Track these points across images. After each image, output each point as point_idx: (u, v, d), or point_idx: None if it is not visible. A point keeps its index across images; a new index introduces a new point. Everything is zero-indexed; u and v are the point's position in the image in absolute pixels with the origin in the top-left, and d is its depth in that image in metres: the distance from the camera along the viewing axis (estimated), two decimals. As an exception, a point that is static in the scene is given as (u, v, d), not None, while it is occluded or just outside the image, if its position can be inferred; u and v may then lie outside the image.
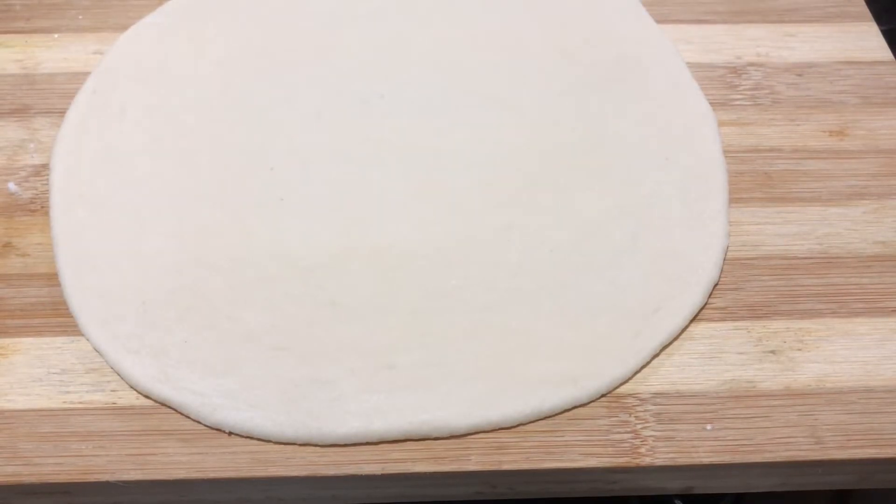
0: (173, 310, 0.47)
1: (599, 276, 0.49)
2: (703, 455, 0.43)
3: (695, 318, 0.48)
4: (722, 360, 0.47)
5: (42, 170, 0.55)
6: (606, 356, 0.46)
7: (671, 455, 0.43)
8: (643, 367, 0.46)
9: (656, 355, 0.46)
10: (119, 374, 0.45)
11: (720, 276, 0.49)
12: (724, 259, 0.50)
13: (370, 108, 0.57)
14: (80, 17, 0.64)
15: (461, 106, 0.57)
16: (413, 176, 0.54)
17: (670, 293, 0.48)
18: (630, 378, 0.46)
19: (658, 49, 0.60)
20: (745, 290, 0.49)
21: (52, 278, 0.49)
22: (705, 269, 0.49)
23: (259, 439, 0.44)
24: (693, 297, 0.48)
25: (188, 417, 0.44)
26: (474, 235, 0.51)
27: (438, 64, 0.60)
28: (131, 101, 0.57)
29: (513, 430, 0.44)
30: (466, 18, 0.63)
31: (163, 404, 0.45)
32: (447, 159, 0.54)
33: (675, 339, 0.47)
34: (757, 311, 0.48)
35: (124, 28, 0.62)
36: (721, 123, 0.57)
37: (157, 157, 0.55)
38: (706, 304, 0.49)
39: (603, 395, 0.45)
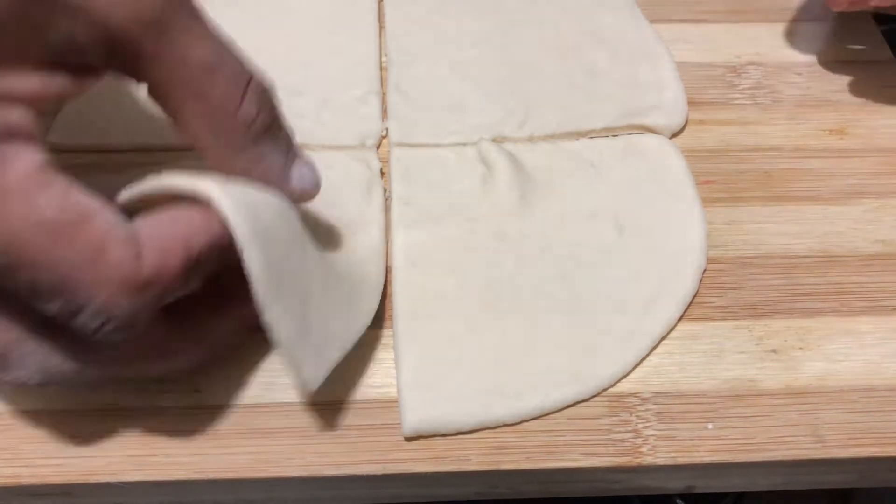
0: None
1: (592, 271, 0.49)
2: (705, 454, 0.43)
3: (690, 308, 0.48)
4: (723, 359, 0.47)
5: (41, 171, 0.55)
6: (606, 351, 0.46)
7: (672, 454, 0.43)
8: (643, 360, 0.46)
9: (655, 348, 0.46)
10: None
11: (707, 263, 0.50)
12: (707, 244, 0.51)
13: (369, 106, 0.57)
14: (80, 17, 0.64)
15: (457, 106, 0.57)
16: (413, 176, 0.54)
17: (662, 283, 0.48)
18: (631, 372, 0.46)
19: (649, 47, 0.61)
20: (745, 290, 0.49)
21: (52, 279, 0.49)
22: (692, 257, 0.50)
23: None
24: (685, 286, 0.48)
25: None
26: (471, 235, 0.51)
27: (436, 63, 0.60)
28: (129, 96, 0.57)
29: (514, 429, 0.44)
30: (464, 18, 0.63)
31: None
32: (447, 156, 0.55)
33: (672, 329, 0.47)
34: (758, 311, 0.49)
35: (123, 29, 0.62)
36: (721, 122, 0.57)
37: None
38: (705, 301, 0.49)
39: (605, 391, 0.45)
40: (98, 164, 0.55)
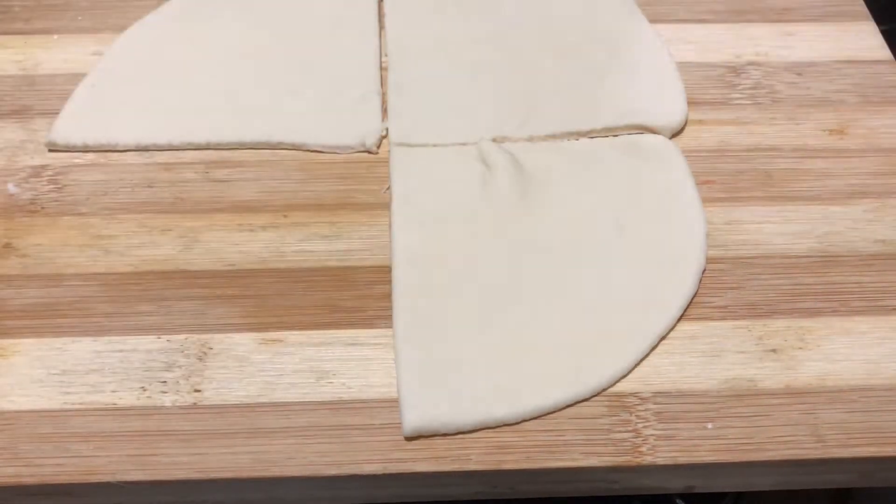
0: None
1: (592, 271, 0.49)
2: (704, 454, 0.43)
3: (690, 308, 0.48)
4: (723, 358, 0.47)
5: (42, 171, 0.55)
6: (605, 351, 0.46)
7: (672, 454, 0.43)
8: (643, 359, 0.46)
9: (654, 347, 0.46)
10: None
11: (706, 263, 0.50)
12: (707, 244, 0.51)
13: (369, 106, 0.57)
14: (80, 17, 0.64)
15: (457, 106, 0.57)
16: (413, 176, 0.54)
17: (662, 283, 0.49)
18: (630, 371, 0.46)
19: (649, 47, 0.61)
20: (745, 289, 0.49)
21: (52, 279, 0.49)
22: (692, 257, 0.50)
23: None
24: (684, 286, 0.48)
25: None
26: (472, 235, 0.51)
27: (436, 63, 0.60)
28: (129, 97, 0.58)
29: (514, 429, 0.44)
30: (464, 18, 0.63)
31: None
32: (447, 156, 0.55)
33: (672, 329, 0.47)
34: (758, 310, 0.48)
35: (123, 29, 0.62)
36: (721, 122, 0.57)
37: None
38: (705, 301, 0.49)
39: (604, 391, 0.45)
40: (98, 164, 0.55)
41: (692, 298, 0.48)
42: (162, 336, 0.47)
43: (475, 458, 0.43)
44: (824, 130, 0.57)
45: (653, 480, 0.45)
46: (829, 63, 0.61)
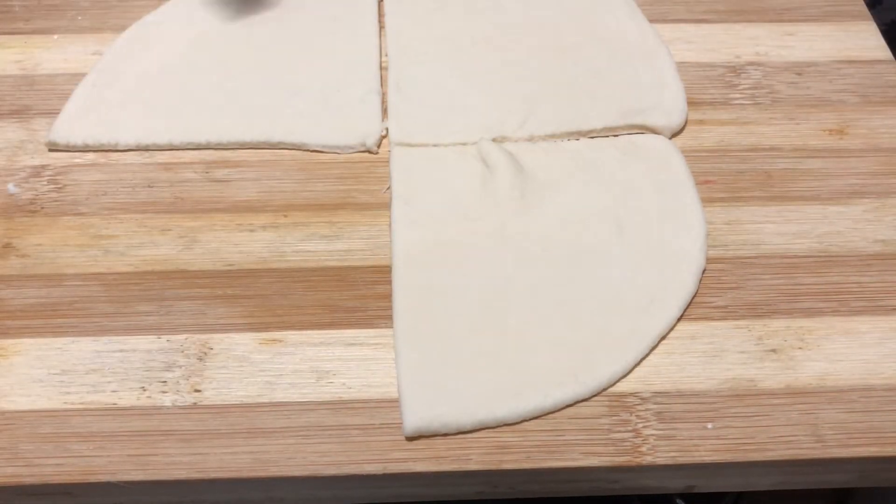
0: None
1: (592, 271, 0.49)
2: (705, 454, 0.43)
3: (690, 308, 0.48)
4: (723, 358, 0.47)
5: (42, 171, 0.55)
6: (605, 351, 0.46)
7: (672, 454, 0.43)
8: (642, 359, 0.46)
9: (654, 347, 0.47)
10: None
11: (706, 263, 0.50)
12: (707, 244, 0.51)
13: (369, 106, 0.57)
14: (80, 17, 0.64)
15: (457, 106, 0.57)
16: (413, 176, 0.54)
17: (662, 283, 0.48)
18: (630, 372, 0.46)
19: (649, 47, 0.61)
20: (745, 289, 0.49)
21: (52, 279, 0.49)
22: (692, 257, 0.50)
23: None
24: (684, 286, 0.48)
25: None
26: (471, 235, 0.51)
27: (436, 63, 0.60)
28: (129, 97, 0.58)
29: (514, 429, 0.44)
30: (464, 18, 0.63)
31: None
32: (447, 156, 0.55)
33: (672, 329, 0.47)
34: (757, 310, 0.49)
35: (123, 29, 0.62)
36: (721, 122, 0.57)
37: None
38: (705, 301, 0.49)
39: (604, 391, 0.45)
40: (98, 164, 0.55)
41: (692, 298, 0.48)
42: (162, 336, 0.47)
43: (475, 458, 0.43)
44: (824, 130, 0.57)
45: (653, 480, 0.45)
46: (829, 63, 0.61)
